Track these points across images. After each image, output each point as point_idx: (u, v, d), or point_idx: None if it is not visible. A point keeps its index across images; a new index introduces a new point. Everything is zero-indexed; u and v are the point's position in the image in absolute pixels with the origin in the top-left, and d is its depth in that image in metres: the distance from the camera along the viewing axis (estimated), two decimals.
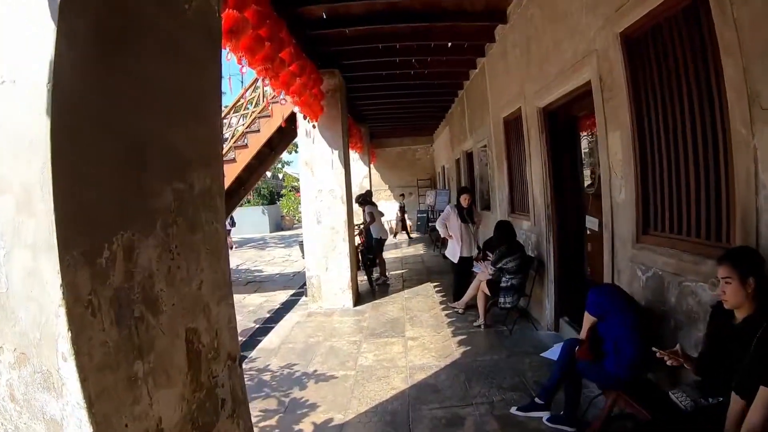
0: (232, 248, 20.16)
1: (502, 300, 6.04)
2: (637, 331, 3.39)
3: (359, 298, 8.51)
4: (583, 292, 5.72)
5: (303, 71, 6.04)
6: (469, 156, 11.58)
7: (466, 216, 7.25)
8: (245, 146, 9.49)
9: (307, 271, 8.14)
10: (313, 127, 7.71)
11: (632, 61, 3.80)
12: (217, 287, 2.21)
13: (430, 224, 16.14)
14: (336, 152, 7.82)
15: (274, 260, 16.15)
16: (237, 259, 16.92)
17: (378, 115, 14.18)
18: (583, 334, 3.65)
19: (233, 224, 20.84)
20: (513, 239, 6.14)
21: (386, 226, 10.62)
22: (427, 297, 8.44)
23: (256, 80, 9.47)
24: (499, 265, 5.96)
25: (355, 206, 9.59)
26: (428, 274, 10.62)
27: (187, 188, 1.95)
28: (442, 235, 7.64)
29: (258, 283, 12.14)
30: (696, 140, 3.15)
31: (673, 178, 3.46)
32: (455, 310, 7.14)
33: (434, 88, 11.00)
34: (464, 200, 7.25)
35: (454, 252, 7.34)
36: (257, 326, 8.31)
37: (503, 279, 6.03)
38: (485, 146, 9.33)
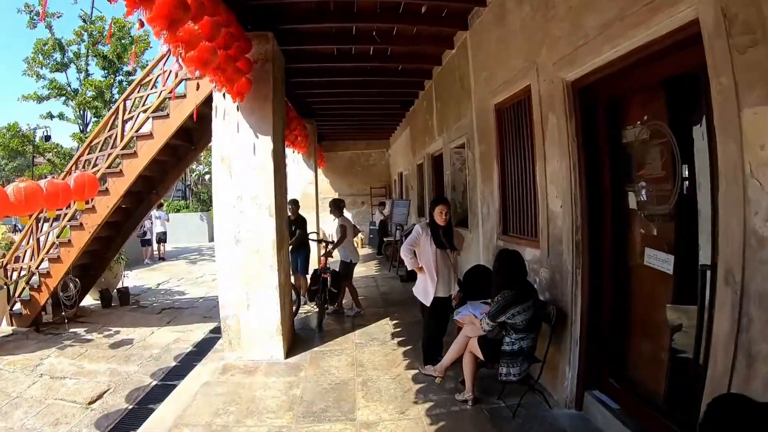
0: (160, 259, 17.59)
1: (504, 371, 4.00)
2: None
3: (294, 344, 6.30)
4: (625, 358, 3.92)
5: (203, 11, 3.88)
6: (437, 159, 9.59)
7: (444, 239, 5.13)
8: (149, 136, 7.19)
9: (221, 309, 5.88)
10: (237, 109, 5.53)
11: None
12: None
13: (385, 239, 14.07)
14: (265, 145, 5.63)
15: (203, 278, 13.72)
16: (162, 275, 14.48)
17: (328, 110, 12.01)
18: None
19: (163, 239, 18.16)
20: (523, 279, 4.12)
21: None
22: (384, 344, 6.32)
23: (169, 51, 7.18)
24: (502, 318, 3.92)
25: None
26: (385, 305, 8.52)
27: None
28: (409, 267, 5.37)
29: (175, 311, 9.80)
30: None
31: None
32: (429, 375, 5.04)
33: (397, 75, 8.98)
34: (440, 215, 5.06)
35: (425, 291, 5.15)
36: (154, 383, 6.13)
37: (507, 340, 4.00)
38: (462, 146, 7.36)
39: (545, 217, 4.39)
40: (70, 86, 18.06)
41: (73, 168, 7.82)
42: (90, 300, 10.41)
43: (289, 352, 5.99)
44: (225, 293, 5.78)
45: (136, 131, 7.28)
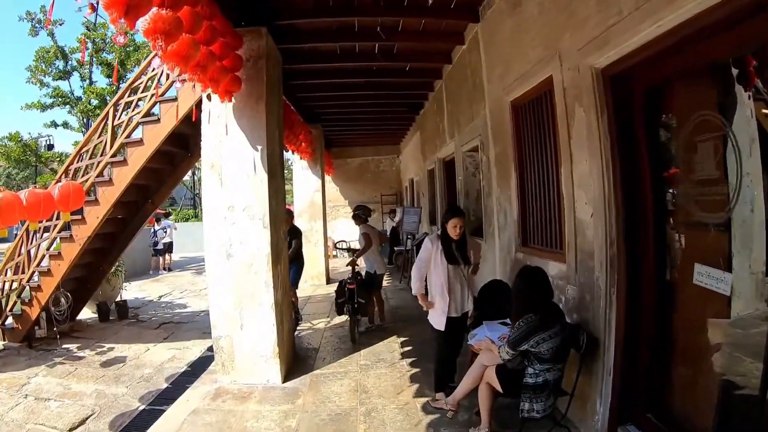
0: (166, 270, 17.13)
1: (527, 406, 3.43)
2: None
3: (293, 366, 5.78)
4: (666, 391, 3.36)
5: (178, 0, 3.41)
6: (449, 165, 9.05)
7: (457, 253, 4.51)
8: (139, 142, 6.73)
9: (213, 329, 5.38)
10: (226, 111, 5.05)
11: None
12: None
13: (396, 248, 13.50)
14: (259, 150, 5.13)
15: (207, 290, 13.17)
16: (165, 286, 14.04)
17: (334, 114, 11.51)
18: None
19: (170, 249, 17.62)
20: (549, 300, 3.56)
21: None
22: (392, 366, 5.76)
23: None
24: (525, 346, 3.36)
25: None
26: (394, 321, 7.96)
27: None
28: (414, 292, 4.66)
29: (174, 326, 9.33)
30: None
31: None
32: (441, 408, 4.46)
33: (404, 75, 8.46)
34: (454, 229, 4.41)
35: (436, 313, 4.53)
36: (142, 407, 5.64)
37: (530, 371, 3.44)
38: (475, 149, 6.83)
39: (572, 227, 3.83)
40: (73, 94, 17.78)
41: (63, 177, 7.39)
42: (89, 313, 10.01)
43: (288, 375, 5.46)
44: (216, 312, 5.28)
45: (126, 137, 6.82)
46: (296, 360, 6.03)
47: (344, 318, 7.29)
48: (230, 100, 4.90)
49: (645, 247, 3.33)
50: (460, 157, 7.66)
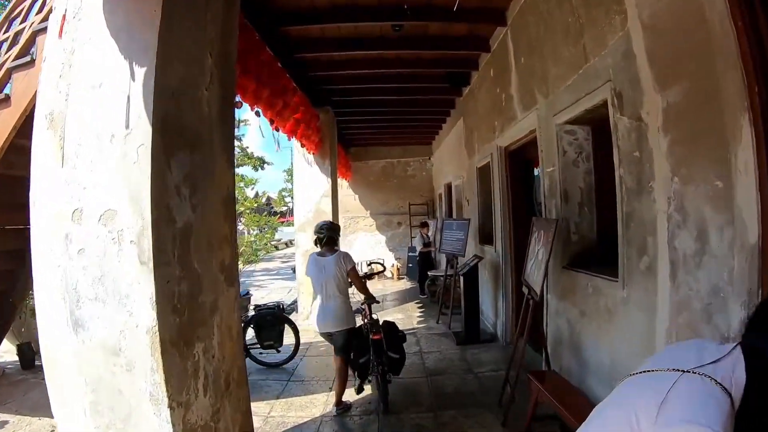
0: None
1: None
2: None
3: None
4: None
5: None
6: (517, 154, 6.10)
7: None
8: (5, 101, 3.93)
9: None
10: None
11: None
12: None
13: (429, 273, 10.45)
14: (140, 78, 2.17)
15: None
16: None
17: (348, 94, 8.64)
18: None
19: None
20: None
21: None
22: None
23: None
24: None
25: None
26: (439, 404, 4.80)
27: None
28: None
29: None
30: None
31: None
32: None
33: (450, 18, 5.57)
34: None
35: None
36: None
37: None
38: (589, 114, 3.87)
39: None
40: None
41: None
42: (14, 355, 7.34)
43: None
44: None
45: None
46: None
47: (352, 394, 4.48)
48: None
49: None
50: (549, 135, 4.61)
